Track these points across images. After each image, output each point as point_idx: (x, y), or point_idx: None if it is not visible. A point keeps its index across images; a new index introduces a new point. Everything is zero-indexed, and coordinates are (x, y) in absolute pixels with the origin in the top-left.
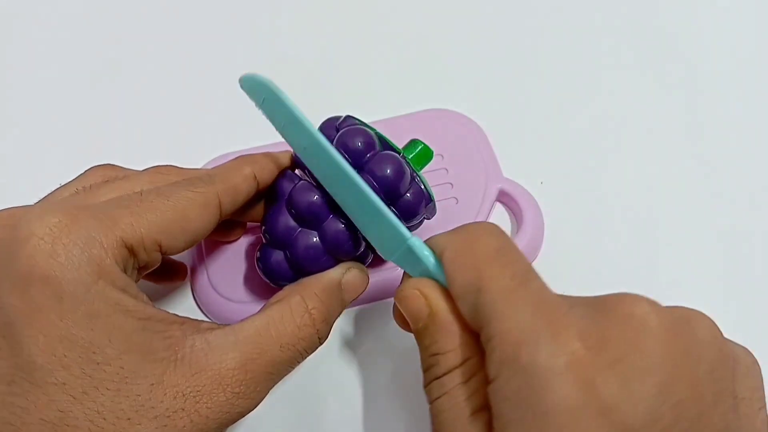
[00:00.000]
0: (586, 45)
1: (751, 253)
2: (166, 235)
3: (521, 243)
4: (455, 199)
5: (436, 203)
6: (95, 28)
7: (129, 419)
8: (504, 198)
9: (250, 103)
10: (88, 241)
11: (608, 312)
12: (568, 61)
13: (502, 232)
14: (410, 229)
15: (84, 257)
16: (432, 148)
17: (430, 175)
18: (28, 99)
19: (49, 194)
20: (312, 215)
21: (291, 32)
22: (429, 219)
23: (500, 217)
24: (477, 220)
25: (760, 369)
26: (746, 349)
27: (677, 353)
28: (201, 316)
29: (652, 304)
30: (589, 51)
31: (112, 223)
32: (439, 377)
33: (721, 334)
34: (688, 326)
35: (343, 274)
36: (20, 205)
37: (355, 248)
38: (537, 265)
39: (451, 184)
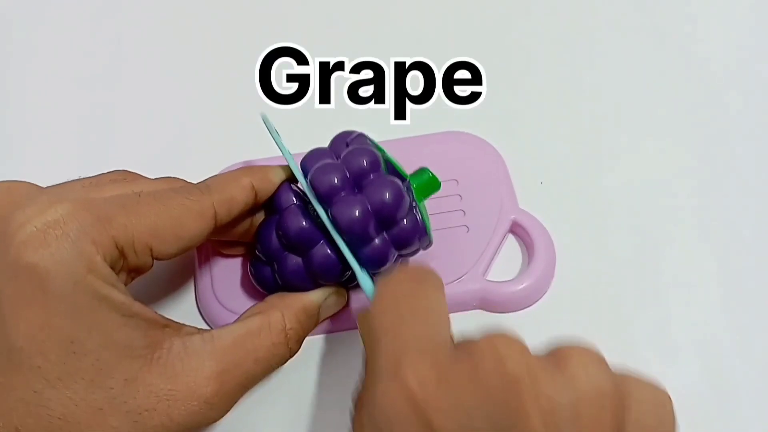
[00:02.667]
0: (586, 46)
1: (759, 253)
2: (158, 239)
3: (530, 278)
4: (466, 227)
5: (446, 230)
6: (102, 35)
7: (101, 410)
8: (517, 229)
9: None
10: (80, 235)
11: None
12: (568, 63)
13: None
14: (404, 257)
15: (74, 251)
16: (447, 172)
17: (442, 201)
18: (35, 110)
19: (61, 183)
20: (299, 243)
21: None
22: (425, 250)
23: (511, 248)
24: (485, 251)
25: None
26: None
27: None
28: (203, 325)
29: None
30: (589, 51)
31: (107, 221)
32: None
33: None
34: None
35: (324, 298)
36: None
37: (341, 275)
38: None
39: (463, 211)
